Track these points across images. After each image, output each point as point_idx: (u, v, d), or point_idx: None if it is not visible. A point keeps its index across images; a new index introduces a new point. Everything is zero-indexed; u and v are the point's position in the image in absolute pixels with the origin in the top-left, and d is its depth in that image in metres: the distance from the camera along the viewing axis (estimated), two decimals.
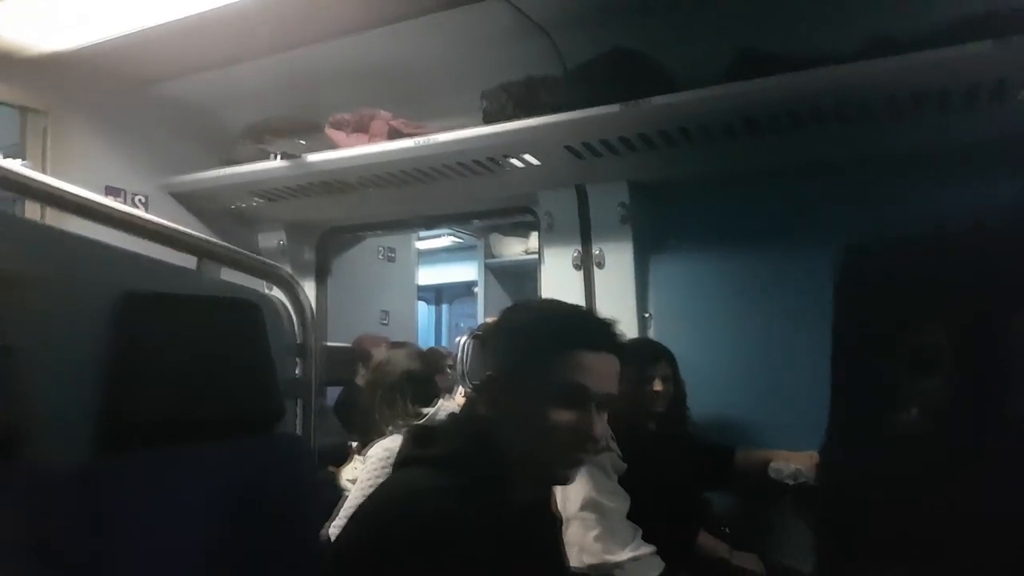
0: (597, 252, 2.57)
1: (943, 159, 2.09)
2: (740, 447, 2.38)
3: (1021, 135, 1.93)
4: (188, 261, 1.34)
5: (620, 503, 2.04)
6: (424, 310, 5.59)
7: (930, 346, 0.89)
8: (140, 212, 1.31)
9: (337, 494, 2.16)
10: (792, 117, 1.98)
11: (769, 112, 1.97)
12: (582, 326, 1.06)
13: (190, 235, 1.34)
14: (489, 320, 2.88)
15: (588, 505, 1.96)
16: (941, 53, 1.65)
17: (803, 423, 2.22)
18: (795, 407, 2.32)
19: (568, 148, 2.26)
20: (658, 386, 2.19)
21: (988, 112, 1.85)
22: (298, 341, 1.55)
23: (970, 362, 0.87)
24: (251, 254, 1.47)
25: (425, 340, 5.15)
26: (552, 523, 1.20)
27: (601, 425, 1.03)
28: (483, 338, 2.59)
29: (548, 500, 1.20)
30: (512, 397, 1.03)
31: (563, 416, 1.00)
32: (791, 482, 2.22)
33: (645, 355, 2.24)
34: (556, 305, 1.15)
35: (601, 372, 1.03)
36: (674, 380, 2.26)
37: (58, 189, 1.18)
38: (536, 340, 1.04)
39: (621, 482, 2.06)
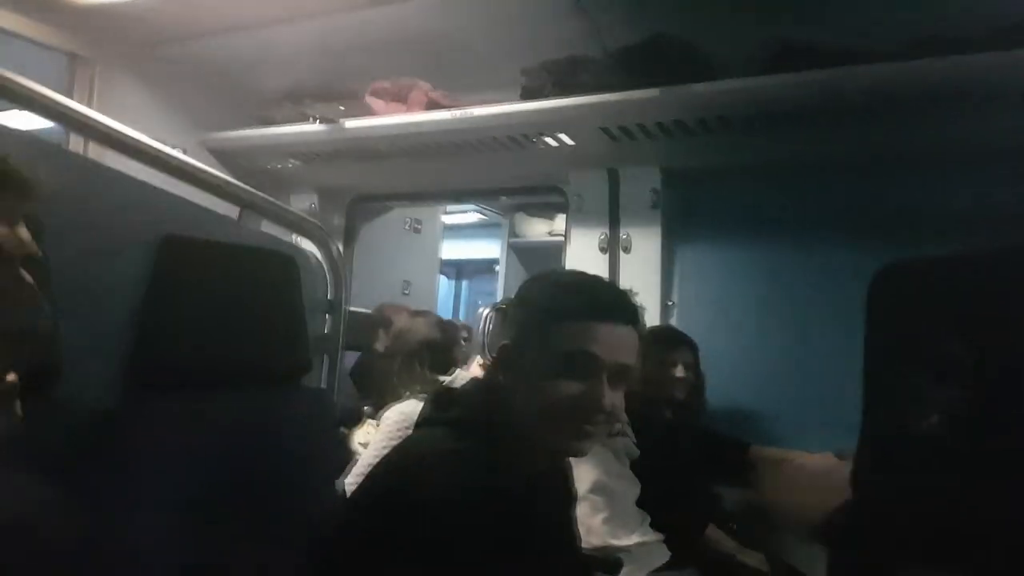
0: (624, 236, 2.57)
1: (984, 158, 2.08)
2: (757, 442, 2.38)
3: None
4: (230, 211, 1.36)
5: (630, 488, 2.06)
6: (444, 284, 5.61)
7: (959, 358, 0.93)
8: (188, 159, 1.33)
9: (350, 454, 2.20)
10: (831, 111, 1.97)
11: (808, 105, 1.96)
12: (595, 295, 1.05)
13: (234, 185, 1.36)
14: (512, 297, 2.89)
15: (597, 487, 1.97)
16: (990, 58, 1.64)
17: (823, 421, 2.26)
18: (815, 404, 2.34)
19: (604, 130, 2.26)
20: (680, 372, 2.21)
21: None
22: (329, 297, 1.57)
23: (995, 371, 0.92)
24: (291, 208, 1.50)
25: (443, 314, 5.15)
26: (566, 498, 1.21)
27: (613, 397, 1.01)
28: (504, 310, 2.61)
29: (564, 475, 1.21)
30: (525, 365, 1.03)
31: (572, 385, 0.99)
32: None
33: (668, 341, 2.26)
34: (572, 275, 1.15)
35: (613, 342, 1.01)
36: (695, 370, 2.28)
37: (112, 129, 1.21)
38: (548, 308, 1.04)
39: (633, 468, 2.08)
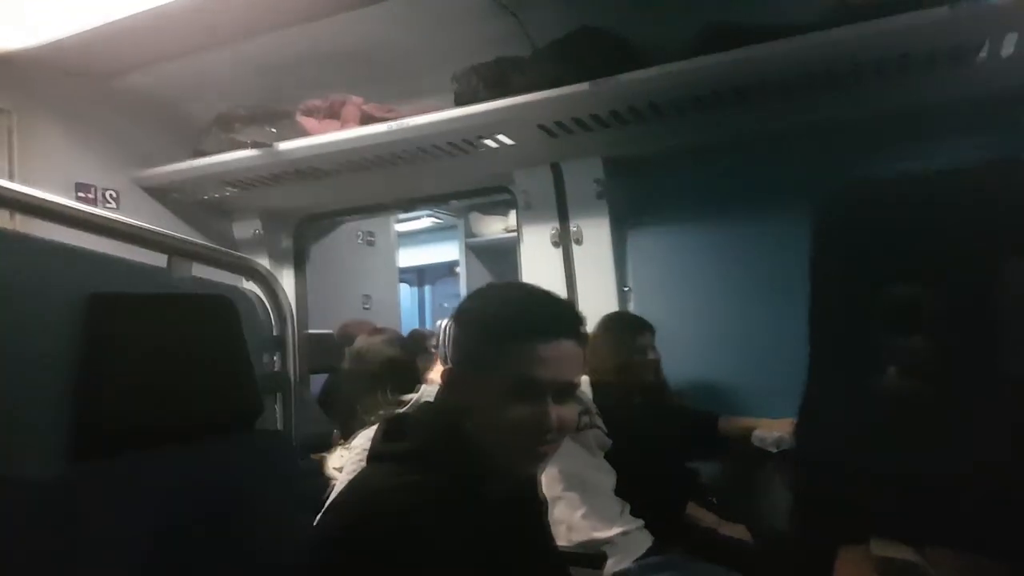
0: (575, 228, 2.58)
1: (911, 122, 2.12)
2: (723, 416, 2.42)
3: (983, 97, 1.95)
4: (159, 259, 1.32)
5: (606, 479, 2.06)
6: (407, 292, 5.58)
7: (910, 301, 0.83)
8: (108, 212, 1.29)
9: (324, 482, 2.17)
10: (759, 88, 1.99)
11: (737, 84, 1.97)
12: (532, 313, 1.02)
13: (160, 233, 1.32)
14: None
15: (573, 484, 1.98)
16: (901, 20, 1.66)
17: (783, 390, 2.27)
18: (775, 375, 2.33)
19: (541, 127, 2.26)
20: (649, 355, 2.24)
21: (949, 75, 1.86)
22: (275, 334, 1.54)
23: (954, 316, 0.79)
24: (222, 248, 1.46)
25: (409, 322, 5.15)
26: (535, 507, 1.19)
27: (561, 413, 0.99)
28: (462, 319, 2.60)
29: (529, 486, 1.18)
30: (470, 389, 1.01)
31: (517, 408, 0.97)
32: (774, 449, 2.25)
33: (631, 326, 2.27)
34: (509, 291, 1.11)
35: (555, 361, 0.98)
36: (655, 351, 2.30)
37: (24, 194, 1.17)
38: (486, 330, 1.01)
39: (607, 458, 2.08)
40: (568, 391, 1.01)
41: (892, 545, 0.81)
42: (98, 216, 1.25)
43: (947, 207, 0.80)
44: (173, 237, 1.34)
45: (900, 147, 2.16)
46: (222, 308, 1.27)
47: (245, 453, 1.26)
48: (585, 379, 2.13)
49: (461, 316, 1.08)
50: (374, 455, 1.05)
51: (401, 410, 2.04)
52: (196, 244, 1.38)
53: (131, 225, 1.27)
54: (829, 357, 0.90)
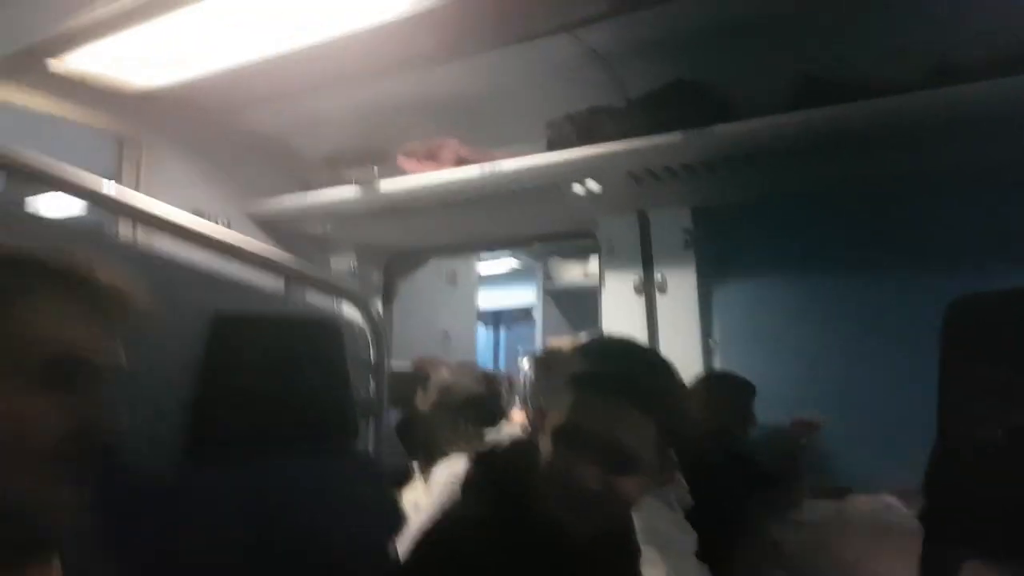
0: (659, 277, 2.58)
1: (1014, 181, 2.05)
2: (813, 477, 2.34)
3: None
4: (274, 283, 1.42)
5: (686, 539, 2.01)
6: (482, 334, 5.64)
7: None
8: (236, 235, 1.39)
9: (402, 515, 2.20)
10: (854, 141, 1.98)
11: (832, 138, 1.97)
12: (595, 364, 0.99)
13: (278, 258, 1.42)
14: (551, 341, 2.91)
15: (650, 538, 1.93)
16: (1006, 83, 1.64)
17: (874, 451, 2.21)
18: (866, 435, 2.29)
19: (630, 174, 2.29)
20: (738, 417, 2.21)
21: None
22: (372, 360, 1.61)
23: None
24: (333, 276, 1.54)
25: (483, 364, 5.19)
26: (627, 554, 1.15)
27: (604, 480, 0.93)
28: (543, 361, 2.63)
29: (624, 530, 1.14)
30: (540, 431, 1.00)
31: (561, 459, 0.94)
32: (868, 522, 2.15)
33: (724, 385, 2.25)
34: (604, 343, 1.11)
35: (603, 418, 0.94)
36: (750, 412, 2.27)
37: (161, 214, 1.28)
38: (554, 375, 1.02)
39: (689, 518, 2.04)
40: (623, 459, 0.94)
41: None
42: (226, 238, 1.36)
43: None
44: (290, 263, 1.44)
45: (1001, 200, 2.10)
46: (330, 332, 1.34)
47: (342, 472, 1.31)
48: None
49: (557, 361, 1.09)
50: (466, 488, 1.07)
51: (490, 444, 2.07)
52: (312, 270, 1.46)
53: (257, 249, 1.36)
54: (954, 426, 1.07)
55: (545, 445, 0.98)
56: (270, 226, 2.98)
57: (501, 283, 5.32)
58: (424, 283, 3.81)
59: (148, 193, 2.62)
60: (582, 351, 1.07)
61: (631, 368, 1.00)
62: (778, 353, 2.49)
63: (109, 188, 1.27)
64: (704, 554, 1.98)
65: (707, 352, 2.56)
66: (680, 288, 2.53)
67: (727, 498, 2.11)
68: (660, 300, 2.59)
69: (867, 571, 2.22)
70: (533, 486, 0.98)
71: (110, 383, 0.69)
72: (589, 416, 0.95)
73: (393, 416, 3.26)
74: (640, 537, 1.90)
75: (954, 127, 1.84)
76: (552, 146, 2.35)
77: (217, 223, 2.78)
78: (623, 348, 1.06)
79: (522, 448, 1.11)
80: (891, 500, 2.13)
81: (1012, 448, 1.00)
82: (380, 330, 1.60)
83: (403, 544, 1.86)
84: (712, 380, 2.32)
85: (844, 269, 2.44)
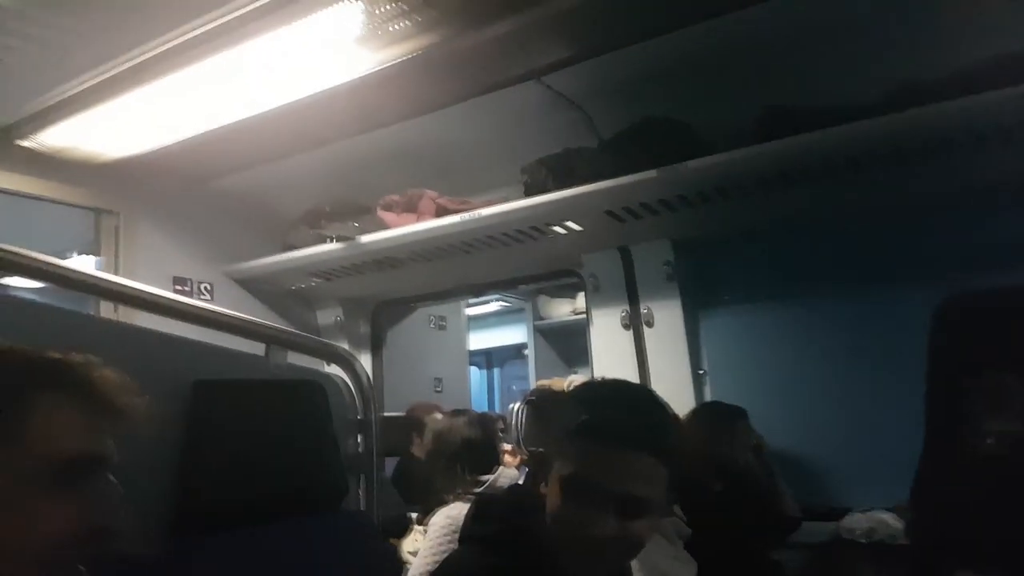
0: (645, 311, 2.59)
1: (988, 200, 2.09)
2: (807, 500, 2.33)
3: None
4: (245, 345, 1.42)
5: (686, 570, 2.00)
6: (476, 374, 5.63)
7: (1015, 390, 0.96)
8: (211, 305, 1.40)
9: (399, 567, 2.17)
10: (824, 168, 2.01)
11: (802, 166, 2.01)
12: (612, 417, 0.97)
13: (257, 323, 1.42)
14: (543, 383, 2.90)
15: (652, 573, 1.92)
16: (966, 101, 1.67)
17: (869, 474, 2.21)
18: (860, 458, 2.29)
19: (608, 213, 2.32)
20: (734, 446, 2.20)
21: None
22: (359, 416, 1.60)
23: None
24: (312, 336, 1.55)
25: (478, 404, 5.17)
26: None
27: (624, 529, 0.93)
28: (536, 403, 2.62)
29: (621, 572, 1.14)
30: (545, 478, 1.00)
31: (578, 511, 0.94)
32: (864, 540, 2.15)
33: (718, 416, 2.25)
34: (604, 389, 1.08)
35: (623, 470, 0.94)
36: (748, 439, 2.27)
37: (133, 288, 1.28)
38: (565, 424, 0.99)
39: (688, 548, 2.02)
40: (637, 505, 0.95)
41: None
42: (205, 309, 1.36)
43: None
44: (269, 326, 1.44)
45: (975, 223, 2.13)
46: (314, 392, 1.34)
47: (333, 532, 1.30)
48: None
49: (553, 405, 1.08)
50: (466, 537, 1.07)
51: (483, 490, 2.05)
52: (290, 332, 1.47)
53: (234, 317, 1.37)
54: (941, 436, 1.02)
55: (553, 493, 0.98)
56: (253, 285, 2.99)
57: (491, 323, 5.33)
58: (413, 330, 3.81)
59: (128, 262, 2.66)
60: (580, 398, 1.07)
61: (636, 415, 1.00)
62: (767, 379, 2.50)
63: (82, 268, 1.27)
64: None
65: (697, 382, 2.56)
66: (666, 320, 2.54)
67: (725, 526, 2.10)
68: (647, 333, 2.59)
69: None
70: (534, 534, 0.98)
71: (111, 474, 0.71)
72: (601, 466, 0.95)
73: (389, 466, 3.25)
74: (640, 573, 1.89)
75: (921, 149, 1.88)
76: (529, 191, 2.38)
77: (199, 288, 2.79)
78: (623, 393, 1.06)
79: (521, 495, 1.11)
80: (886, 517, 2.13)
81: (999, 455, 0.96)
82: (365, 386, 1.59)
83: None
84: (703, 411, 2.32)
85: (826, 293, 2.46)
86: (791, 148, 1.92)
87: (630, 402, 1.03)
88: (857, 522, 2.19)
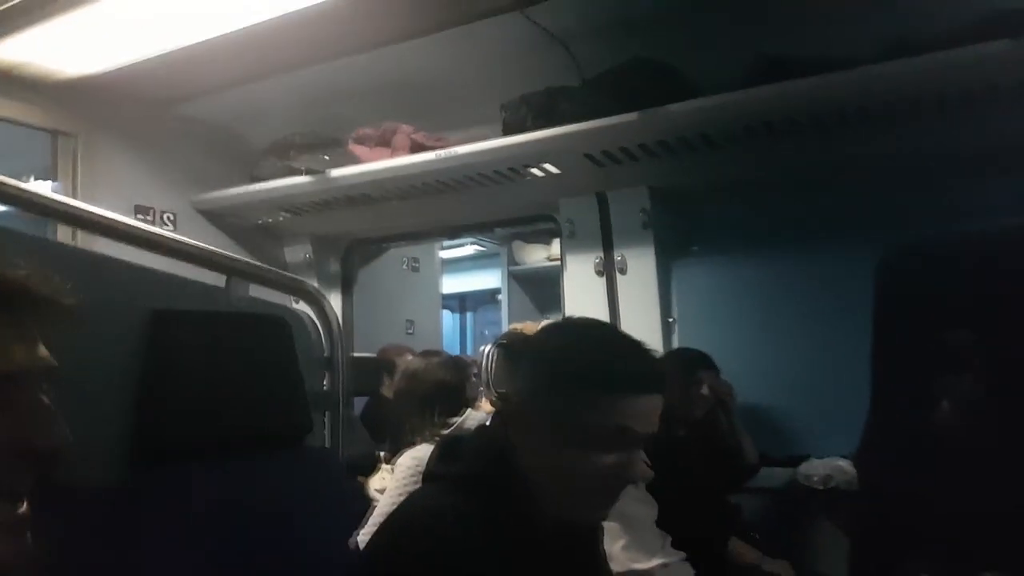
0: (619, 258, 2.58)
1: (968, 160, 2.08)
2: (771, 450, 2.41)
3: None
4: (217, 279, 1.37)
5: (647, 511, 2.04)
6: (448, 318, 5.61)
7: (962, 345, 0.91)
8: (169, 232, 1.35)
9: (366, 504, 2.18)
10: (812, 120, 1.98)
11: (788, 116, 1.97)
12: (633, 366, 0.99)
13: (218, 254, 1.37)
14: (515, 327, 2.89)
15: (613, 513, 1.95)
16: (961, 53, 1.64)
17: (827, 427, 2.26)
18: (821, 407, 2.35)
19: (587, 156, 2.27)
20: (704, 391, 2.23)
21: (1013, 112, 1.83)
22: (325, 354, 1.57)
23: (999, 360, 0.90)
24: (278, 270, 1.50)
25: (450, 348, 5.17)
26: (591, 534, 1.15)
27: (640, 465, 0.98)
28: (507, 347, 2.61)
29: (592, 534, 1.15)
30: (542, 428, 0.97)
31: (605, 458, 0.95)
32: (821, 487, 2.21)
33: (690, 362, 2.27)
34: (600, 336, 1.07)
35: (649, 414, 0.97)
36: (717, 387, 2.29)
37: (89, 212, 1.22)
38: (581, 377, 0.97)
39: (649, 490, 2.06)
40: (642, 445, 0.99)
41: None
42: (163, 236, 1.31)
43: (993, 262, 0.90)
44: (232, 258, 1.39)
45: (957, 185, 2.13)
46: (277, 327, 1.30)
47: (295, 468, 1.29)
48: None
49: (544, 354, 1.03)
50: (429, 475, 1.05)
51: (450, 431, 2.05)
52: (254, 265, 1.42)
53: (193, 246, 1.32)
54: (889, 396, 0.97)
55: (545, 436, 0.97)
56: (219, 218, 2.90)
57: (465, 267, 5.29)
58: (385, 271, 3.77)
59: (87, 188, 2.56)
60: (560, 339, 1.06)
61: (650, 359, 1.02)
62: (734, 329, 2.53)
63: (38, 190, 1.20)
64: (665, 523, 2.02)
65: (666, 330, 2.58)
66: (639, 268, 2.53)
67: (686, 470, 2.14)
68: (620, 280, 2.59)
69: (820, 530, 2.30)
70: (503, 475, 0.97)
71: (44, 394, 0.63)
72: (631, 411, 0.96)
73: (359, 406, 3.25)
74: None
75: (912, 104, 1.85)
76: (508, 129, 2.32)
77: (162, 217, 2.70)
78: (625, 338, 1.05)
79: (488, 436, 1.09)
80: (843, 464, 2.19)
81: (950, 419, 0.92)
82: (332, 323, 1.56)
83: (366, 530, 1.86)
84: (671, 356, 2.34)
85: (799, 247, 2.48)
86: (779, 95, 1.88)
87: (636, 351, 1.02)
88: (814, 468, 2.25)
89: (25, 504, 0.61)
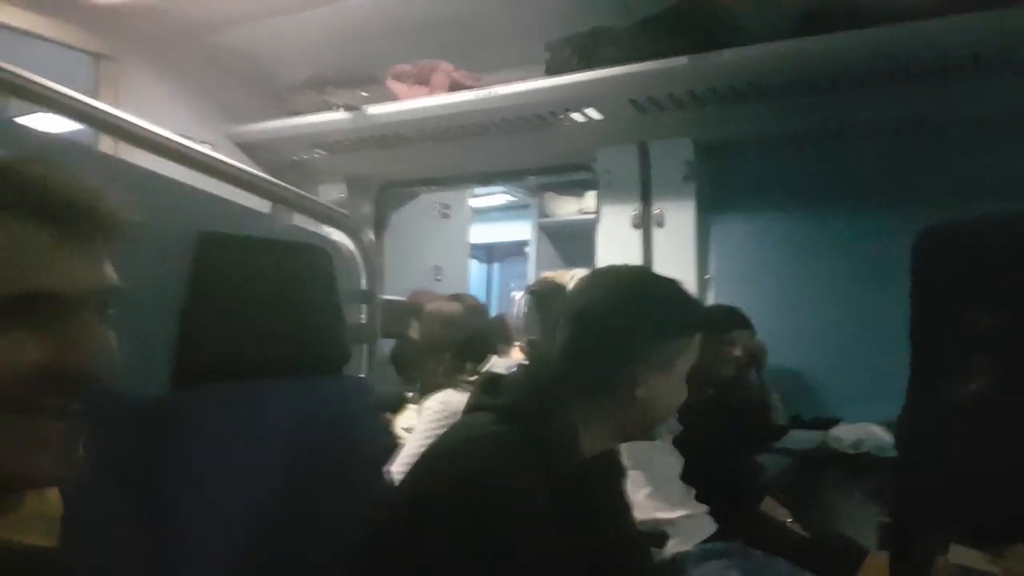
0: (657, 211, 2.53)
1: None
2: (805, 413, 2.39)
3: None
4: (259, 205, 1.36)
5: (672, 462, 2.05)
6: (475, 268, 5.60)
7: (1003, 323, 0.91)
8: (218, 155, 1.33)
9: (394, 440, 2.21)
10: (868, 74, 1.90)
11: (844, 69, 1.90)
12: (684, 311, 1.10)
13: (265, 179, 1.36)
14: (547, 275, 2.87)
15: (638, 462, 1.96)
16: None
17: (868, 386, 2.23)
18: (855, 372, 2.31)
19: (632, 102, 2.21)
20: (738, 351, 2.21)
21: None
22: (363, 288, 1.57)
23: None
24: (322, 202, 1.49)
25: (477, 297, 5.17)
26: (617, 473, 1.22)
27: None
28: (539, 294, 2.60)
29: (613, 452, 1.20)
30: (601, 371, 1.04)
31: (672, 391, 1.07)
32: (852, 451, 2.19)
33: (727, 320, 2.24)
34: (650, 285, 1.12)
35: (694, 352, 1.09)
36: (750, 348, 2.27)
37: (140, 128, 1.21)
38: (640, 325, 1.05)
39: (675, 443, 2.06)
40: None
41: (969, 554, 0.89)
42: (212, 157, 1.29)
43: None
44: (278, 184, 1.38)
45: (1006, 148, 2.05)
46: (321, 256, 1.29)
47: (333, 395, 1.29)
48: None
49: (599, 301, 1.08)
50: (472, 407, 1.08)
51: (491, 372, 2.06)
52: (298, 193, 1.41)
53: (240, 168, 1.30)
54: (929, 372, 0.98)
55: (607, 381, 1.04)
56: (254, 152, 2.89)
57: (495, 217, 5.25)
58: (416, 216, 3.74)
59: (129, 112, 2.54)
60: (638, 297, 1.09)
61: (699, 305, 1.19)
62: (772, 290, 2.49)
63: (90, 103, 1.19)
64: (689, 477, 2.02)
65: (702, 288, 2.54)
66: (678, 223, 2.49)
67: (714, 426, 2.14)
68: (657, 234, 2.55)
69: (847, 495, 2.29)
70: (547, 410, 1.01)
71: (95, 310, 0.62)
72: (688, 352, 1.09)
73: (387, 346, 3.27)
74: (627, 461, 1.94)
75: (974, 60, 1.77)
76: (551, 70, 2.26)
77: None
78: (671, 291, 1.11)
79: (531, 373, 1.13)
80: (875, 429, 2.16)
81: (987, 395, 0.92)
82: (371, 258, 1.55)
83: (396, 467, 1.88)
84: (714, 311, 2.32)
85: (842, 209, 2.41)
86: (836, 47, 1.80)
87: (683, 298, 1.12)
88: (845, 433, 2.23)
89: (75, 421, 0.61)
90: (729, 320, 2.25)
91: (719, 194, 2.59)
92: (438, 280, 3.87)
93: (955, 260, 0.96)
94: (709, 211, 2.58)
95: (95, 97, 2.49)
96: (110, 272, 0.63)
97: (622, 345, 1.04)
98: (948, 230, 0.98)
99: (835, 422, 2.30)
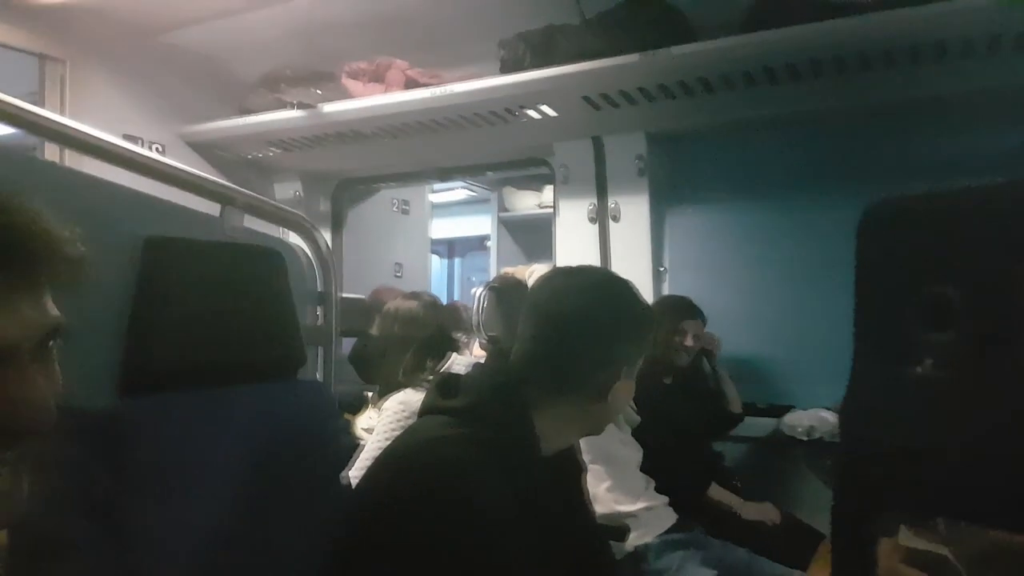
0: (613, 205, 2.56)
1: (962, 107, 2.07)
2: (761, 400, 2.46)
3: None
4: (211, 208, 1.34)
5: (632, 455, 2.08)
6: (436, 263, 5.59)
7: (946, 300, 0.93)
8: (165, 158, 1.31)
9: (353, 441, 2.20)
10: (812, 67, 1.95)
11: (789, 62, 1.94)
12: (644, 314, 1.13)
13: (213, 182, 1.34)
14: (507, 271, 2.88)
15: (598, 456, 2.00)
16: (959, 3, 1.62)
17: (815, 374, 2.29)
18: (808, 358, 2.38)
19: (586, 99, 2.24)
20: (689, 341, 2.25)
21: (1012, 60, 1.82)
22: (319, 289, 1.56)
23: (983, 315, 0.92)
24: (273, 202, 1.48)
25: (437, 293, 5.16)
26: (576, 470, 1.22)
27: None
28: (499, 290, 2.61)
29: (571, 449, 1.21)
30: (574, 376, 1.06)
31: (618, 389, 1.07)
32: (805, 438, 2.25)
33: (679, 310, 2.28)
34: (621, 290, 1.13)
35: (647, 349, 1.14)
36: (701, 338, 2.32)
37: (83, 133, 1.18)
38: (620, 332, 1.08)
39: (634, 435, 2.10)
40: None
41: (920, 537, 0.89)
42: (160, 162, 1.28)
43: (976, 218, 0.89)
44: (227, 187, 1.36)
45: (949, 133, 2.12)
46: (272, 258, 1.28)
47: (288, 399, 1.29)
48: None
49: (563, 302, 1.08)
50: (427, 409, 1.07)
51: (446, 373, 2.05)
52: (248, 195, 1.39)
53: (188, 172, 1.29)
54: (872, 353, 0.98)
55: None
56: (208, 151, 2.84)
57: (455, 212, 5.24)
58: (375, 212, 3.72)
59: (75, 116, 2.48)
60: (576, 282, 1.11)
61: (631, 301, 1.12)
62: (725, 279, 2.54)
63: (32, 109, 1.16)
64: (649, 468, 2.06)
65: (657, 279, 2.59)
66: (633, 216, 2.52)
67: (671, 416, 2.18)
68: (613, 228, 2.58)
69: (802, 480, 2.36)
70: (503, 409, 1.01)
71: (35, 352, 0.56)
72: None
73: (348, 347, 3.25)
74: (587, 455, 1.97)
75: (912, 51, 1.83)
76: (505, 67, 2.27)
77: (151, 148, 2.64)
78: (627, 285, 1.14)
79: (486, 373, 1.15)
80: (826, 415, 2.23)
81: (940, 382, 0.90)
82: (326, 258, 1.54)
83: (355, 469, 1.88)
84: (660, 304, 2.36)
85: (791, 197, 2.47)
86: (782, 40, 1.85)
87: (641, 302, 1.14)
88: (798, 419, 2.29)
89: (15, 466, 0.56)
90: (678, 310, 2.29)
91: (673, 186, 2.63)
92: (399, 276, 3.86)
93: (896, 237, 0.96)
94: (662, 204, 2.62)
95: (41, 100, 2.44)
96: (52, 309, 0.57)
97: (602, 352, 1.05)
98: (888, 207, 0.97)
99: (787, 409, 2.36)
